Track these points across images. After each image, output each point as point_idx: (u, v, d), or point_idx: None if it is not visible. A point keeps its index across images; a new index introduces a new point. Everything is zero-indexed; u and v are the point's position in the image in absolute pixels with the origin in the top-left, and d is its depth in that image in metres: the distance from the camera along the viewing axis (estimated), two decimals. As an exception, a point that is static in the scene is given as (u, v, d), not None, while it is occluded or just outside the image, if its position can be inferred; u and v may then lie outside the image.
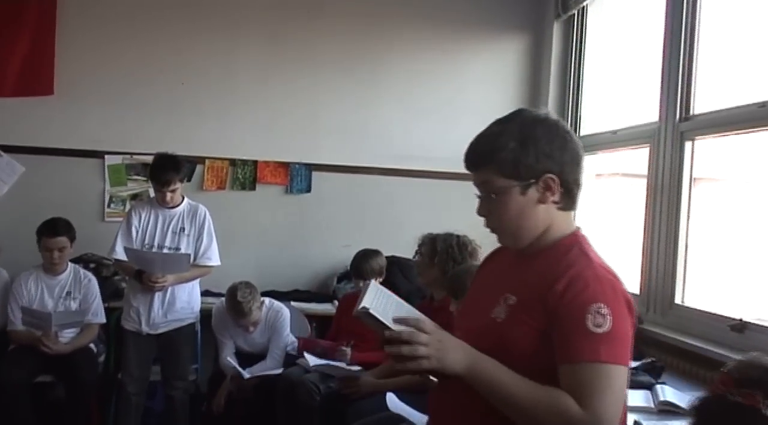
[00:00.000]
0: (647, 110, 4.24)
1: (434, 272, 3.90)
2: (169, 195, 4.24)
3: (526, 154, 1.78)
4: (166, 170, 4.21)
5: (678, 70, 3.96)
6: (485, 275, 2.05)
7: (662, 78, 4.07)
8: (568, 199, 1.84)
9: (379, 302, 1.87)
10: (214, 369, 4.63)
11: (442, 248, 3.88)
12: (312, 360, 4.04)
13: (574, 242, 1.84)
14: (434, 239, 3.94)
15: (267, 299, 4.52)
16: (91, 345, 4.55)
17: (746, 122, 3.42)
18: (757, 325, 3.30)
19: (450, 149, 5.62)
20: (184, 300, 4.33)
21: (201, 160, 5.45)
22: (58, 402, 4.35)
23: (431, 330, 1.71)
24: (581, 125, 5.31)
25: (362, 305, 1.81)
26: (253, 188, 5.55)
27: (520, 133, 1.80)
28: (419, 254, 3.98)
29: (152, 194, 5.14)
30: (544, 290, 1.72)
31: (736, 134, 3.48)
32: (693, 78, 3.93)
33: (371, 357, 4.22)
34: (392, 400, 3.09)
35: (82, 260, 4.86)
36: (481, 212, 1.88)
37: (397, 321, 1.75)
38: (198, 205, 4.41)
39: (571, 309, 1.68)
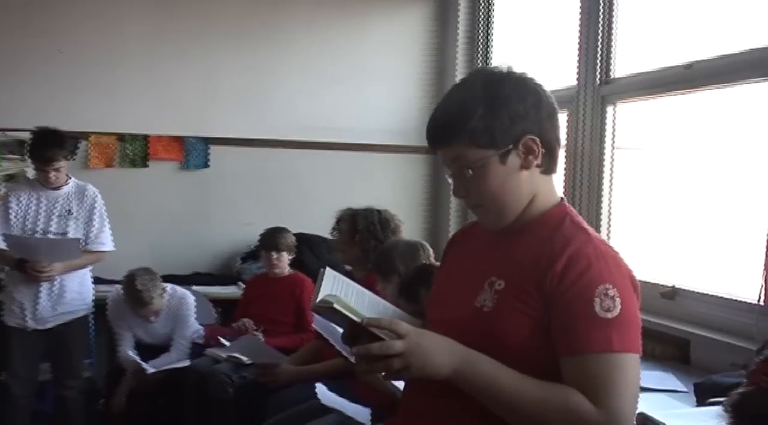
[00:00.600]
0: (564, 75, 4.09)
1: (354, 251, 3.66)
2: (52, 175, 3.80)
3: (498, 117, 1.55)
4: (49, 147, 3.76)
5: (597, 31, 3.82)
6: (458, 257, 1.80)
7: (580, 39, 3.93)
8: (550, 160, 1.62)
9: (340, 292, 1.61)
10: (111, 364, 4.23)
11: (363, 226, 3.64)
12: (223, 350, 3.73)
13: (564, 213, 1.62)
14: (354, 215, 3.69)
15: (169, 286, 4.15)
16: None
17: (672, 83, 3.31)
18: (689, 291, 3.22)
19: (356, 120, 5.46)
20: (75, 290, 3.91)
21: (85, 135, 4.98)
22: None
23: (406, 332, 1.46)
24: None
25: (321, 297, 1.54)
26: (145, 165, 5.13)
27: (486, 95, 1.56)
28: (337, 231, 3.72)
29: (31, 174, 4.71)
30: (538, 273, 1.51)
31: (661, 96, 3.36)
32: (613, 39, 3.80)
33: (285, 342, 3.97)
34: (323, 393, 2.83)
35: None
36: (457, 192, 1.64)
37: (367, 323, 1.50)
38: (86, 185, 3.98)
39: (574, 293, 1.46)
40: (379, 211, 3.72)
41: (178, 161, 5.18)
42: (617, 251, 1.56)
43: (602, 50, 3.82)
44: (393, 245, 3.28)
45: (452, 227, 5.23)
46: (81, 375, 3.96)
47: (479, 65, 5.20)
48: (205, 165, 5.21)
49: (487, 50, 5.18)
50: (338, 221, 3.77)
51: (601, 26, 3.82)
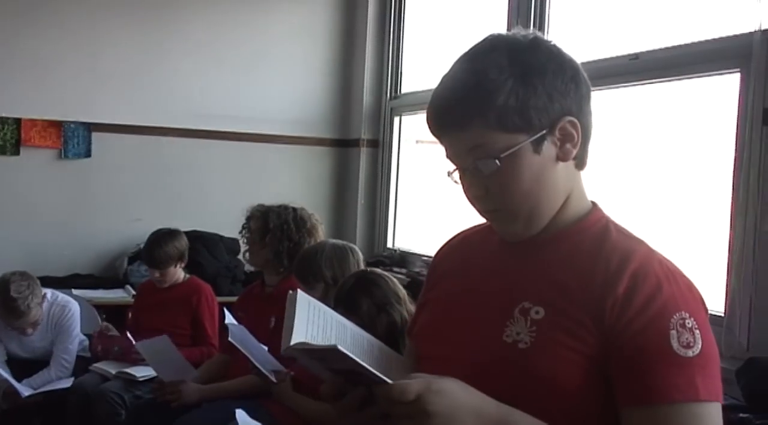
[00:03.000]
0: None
1: (265, 253, 3.27)
2: None
3: (533, 93, 1.20)
4: None
5: (529, 18, 3.61)
6: (459, 275, 1.40)
7: (509, 21, 3.72)
8: (584, 152, 1.29)
9: (317, 328, 1.27)
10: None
11: (275, 225, 3.25)
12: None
13: (604, 219, 1.30)
14: (266, 212, 3.30)
15: (49, 292, 3.61)
16: None
17: (616, 76, 3.12)
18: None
19: (256, 109, 5.03)
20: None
21: (-56, 117, 4.37)
22: None
23: (418, 393, 1.10)
24: (402, 83, 4.87)
25: (295, 339, 1.20)
26: (17, 153, 4.55)
27: (514, 65, 1.20)
28: (247, 230, 3.33)
29: None
30: (592, 296, 1.18)
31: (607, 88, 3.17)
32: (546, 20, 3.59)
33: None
34: (244, 419, 2.46)
35: None
36: (474, 191, 1.27)
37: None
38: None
39: (643, 324, 1.14)
40: (294, 209, 3.35)
41: (55, 148, 4.62)
42: (679, 268, 1.24)
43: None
44: (318, 248, 2.94)
45: (359, 227, 4.94)
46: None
47: (389, 53, 4.91)
48: (87, 154, 4.68)
49: (399, 38, 4.90)
50: (248, 218, 3.37)
51: (533, 15, 3.62)
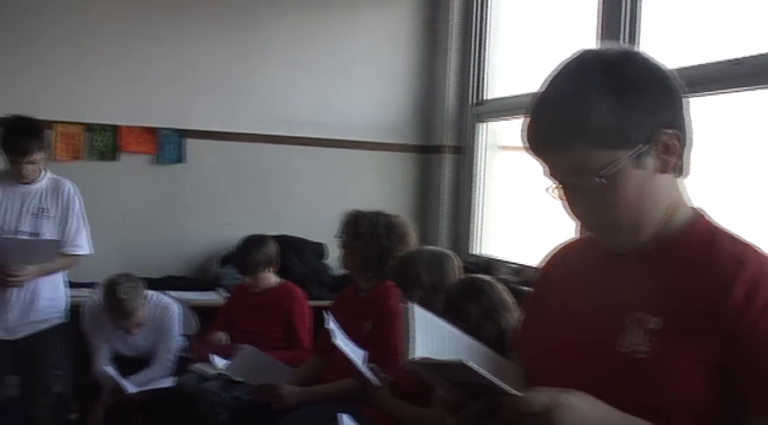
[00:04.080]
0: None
1: (355, 258, 3.35)
2: (27, 168, 3.41)
3: (630, 109, 1.23)
4: (23, 137, 3.37)
5: (619, 27, 3.59)
6: (566, 286, 1.43)
7: (602, 25, 3.67)
8: (685, 160, 1.31)
9: (435, 342, 1.32)
10: (83, 377, 3.80)
11: (365, 230, 3.33)
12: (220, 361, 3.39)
13: (709, 225, 1.32)
14: (358, 218, 3.38)
15: (152, 294, 3.77)
16: None
17: (717, 82, 3.08)
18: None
19: (342, 115, 5.13)
20: (48, 297, 3.51)
21: (50, 125, 4.52)
22: None
23: (546, 406, 1.15)
24: (486, 89, 4.90)
25: (418, 353, 1.25)
26: (115, 158, 4.73)
27: (609, 82, 1.23)
28: (344, 233, 3.41)
29: None
30: (708, 304, 1.19)
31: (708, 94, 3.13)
32: (637, 28, 3.56)
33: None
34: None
35: None
36: (576, 208, 1.31)
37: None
38: (63, 180, 3.59)
39: (766, 328, 1.16)
40: (387, 215, 3.41)
41: (150, 154, 4.79)
42: None
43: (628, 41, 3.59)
44: (415, 254, 3.00)
45: (443, 233, 4.98)
46: (52, 390, 3.57)
47: (473, 59, 4.94)
48: (180, 159, 4.84)
49: (483, 43, 4.92)
50: (342, 223, 3.46)
51: (623, 22, 3.59)
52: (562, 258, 1.52)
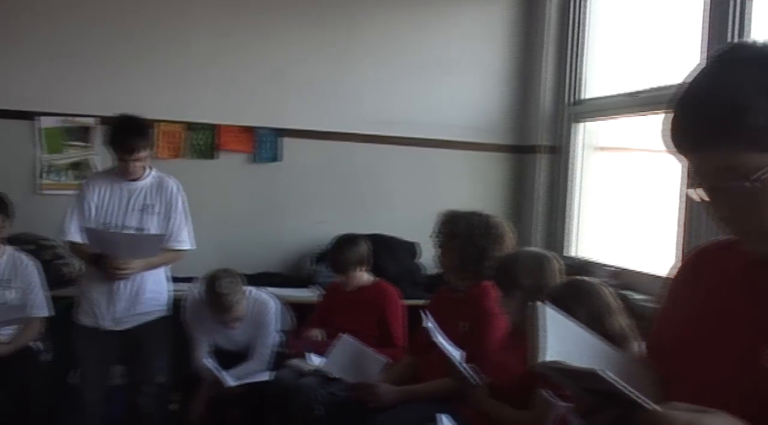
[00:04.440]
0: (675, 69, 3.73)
1: (452, 258, 3.33)
2: (134, 165, 3.53)
3: None
4: (131, 135, 3.49)
5: (728, 16, 3.46)
6: (705, 292, 1.36)
7: (709, 25, 3.56)
8: None
9: (568, 344, 1.28)
10: (183, 369, 3.92)
11: (461, 230, 3.30)
12: (316, 359, 3.43)
13: None
14: (454, 218, 3.36)
15: (251, 289, 3.85)
16: (29, 343, 3.80)
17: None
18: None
19: (435, 115, 5.12)
20: (152, 290, 3.63)
21: (152, 123, 4.65)
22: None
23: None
24: (584, 88, 4.81)
25: (549, 356, 1.21)
26: (213, 156, 4.85)
27: (765, 79, 1.13)
28: (440, 233, 3.40)
29: (99, 163, 4.54)
30: None
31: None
32: (746, 25, 3.43)
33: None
34: (448, 425, 2.53)
35: (17, 242, 4.06)
36: (721, 212, 1.22)
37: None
38: (167, 177, 3.70)
39: None
40: (484, 215, 3.38)
41: (248, 152, 4.90)
42: None
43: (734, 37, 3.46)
44: (515, 256, 2.97)
45: (537, 235, 4.92)
46: (156, 380, 3.68)
47: (570, 58, 4.86)
48: (276, 158, 4.92)
49: (579, 42, 4.83)
50: (439, 223, 3.45)
51: (732, 18, 3.47)
52: (697, 263, 1.43)
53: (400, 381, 3.29)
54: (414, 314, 3.50)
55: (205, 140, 4.82)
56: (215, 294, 3.63)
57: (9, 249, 3.81)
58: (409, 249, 4.82)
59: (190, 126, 4.80)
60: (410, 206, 4.94)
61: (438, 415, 2.61)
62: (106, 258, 3.45)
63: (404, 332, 3.83)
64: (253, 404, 3.65)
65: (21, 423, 3.56)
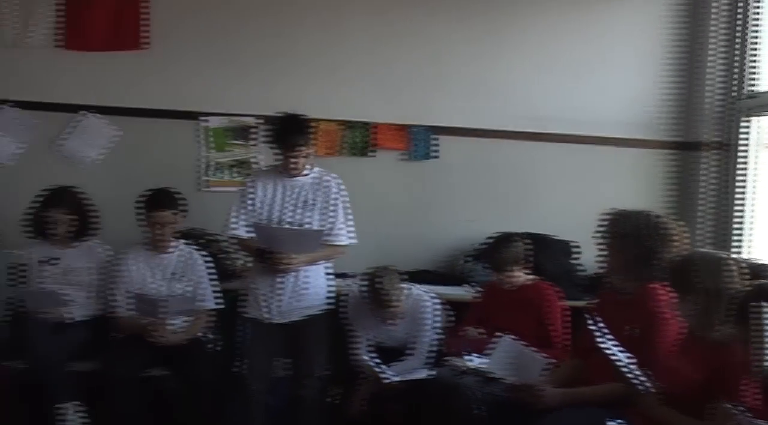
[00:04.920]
0: None
1: (618, 258, 3.21)
2: (297, 162, 3.62)
3: None
4: (293, 132, 3.59)
5: None
6: None
7: None
8: None
9: None
10: (344, 365, 3.99)
11: (629, 230, 3.17)
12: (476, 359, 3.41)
13: None
14: (620, 217, 3.24)
15: (410, 286, 3.88)
16: (199, 334, 3.97)
17: None
18: None
19: (592, 111, 4.96)
20: (315, 285, 3.72)
21: (311, 122, 4.80)
22: (170, 398, 3.79)
23: None
24: (756, 81, 4.53)
25: None
26: (368, 154, 4.91)
27: None
28: (606, 233, 3.28)
29: (262, 160, 4.68)
30: None
31: None
32: None
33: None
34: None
35: (185, 237, 4.25)
36: None
37: None
38: (328, 174, 3.78)
39: None
40: (651, 215, 3.24)
41: (402, 150, 4.93)
42: None
43: None
44: (690, 257, 2.83)
45: (701, 235, 4.68)
46: (318, 373, 3.76)
47: (740, 51, 4.59)
48: (429, 155, 4.93)
49: (750, 33, 4.55)
50: (603, 223, 3.33)
51: None
52: None
53: (564, 384, 3.20)
54: (576, 315, 3.41)
55: (361, 138, 4.90)
56: (376, 291, 3.68)
57: (181, 244, 4.01)
58: (565, 249, 4.71)
59: (347, 124, 4.88)
60: (566, 205, 4.85)
61: (608, 421, 2.52)
62: (271, 253, 3.55)
63: (564, 333, 3.73)
64: (412, 401, 3.66)
65: (191, 407, 3.73)
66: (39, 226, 3.97)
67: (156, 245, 3.93)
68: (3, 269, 3.93)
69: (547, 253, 4.60)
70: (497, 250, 3.87)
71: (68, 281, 3.94)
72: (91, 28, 4.65)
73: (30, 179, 4.33)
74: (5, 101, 4.59)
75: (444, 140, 4.93)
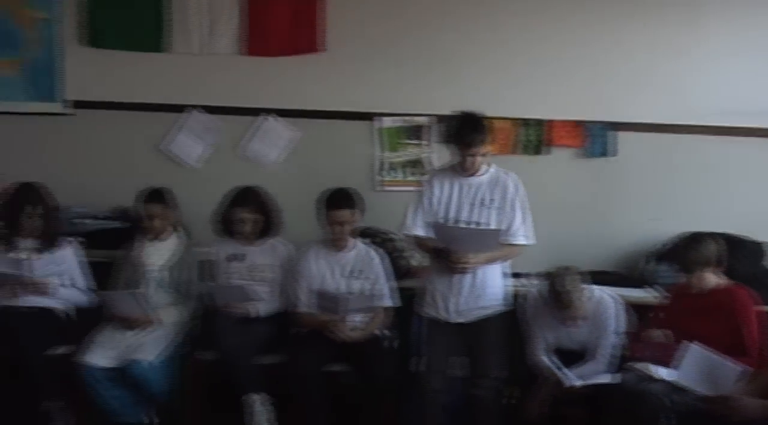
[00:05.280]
0: None
1: None
2: (474, 161, 3.60)
3: None
4: (471, 131, 3.57)
5: None
6: None
7: None
8: None
9: None
10: (521, 366, 3.92)
11: None
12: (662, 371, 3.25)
13: None
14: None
15: (593, 288, 3.76)
16: (377, 331, 4.03)
17: None
18: None
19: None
20: (493, 284, 3.69)
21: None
22: (349, 393, 3.87)
23: None
24: None
25: None
26: (542, 152, 4.81)
27: None
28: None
29: (435, 160, 4.72)
30: None
31: None
32: None
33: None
34: None
35: (362, 235, 4.31)
36: None
37: None
38: (505, 172, 3.74)
39: None
40: None
41: (577, 147, 4.79)
42: None
43: None
44: None
45: None
46: (495, 374, 3.72)
47: None
48: (607, 152, 4.77)
49: None
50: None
51: None
52: None
53: (763, 395, 3.00)
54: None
55: (535, 136, 4.81)
56: (557, 291, 3.60)
57: (358, 242, 4.08)
58: (757, 250, 4.41)
59: (521, 122, 4.80)
60: (757, 203, 4.54)
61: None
62: (449, 252, 3.55)
63: (760, 340, 3.49)
64: (593, 406, 3.54)
65: (370, 403, 3.79)
66: (227, 224, 4.16)
67: (335, 244, 4.02)
68: (194, 265, 4.13)
69: (737, 254, 4.31)
70: (687, 250, 3.66)
71: (253, 277, 4.10)
72: (271, 34, 4.83)
73: (216, 180, 4.55)
74: (193, 106, 4.84)
75: (622, 136, 4.75)
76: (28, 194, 3.99)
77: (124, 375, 3.72)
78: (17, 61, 4.77)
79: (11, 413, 3.73)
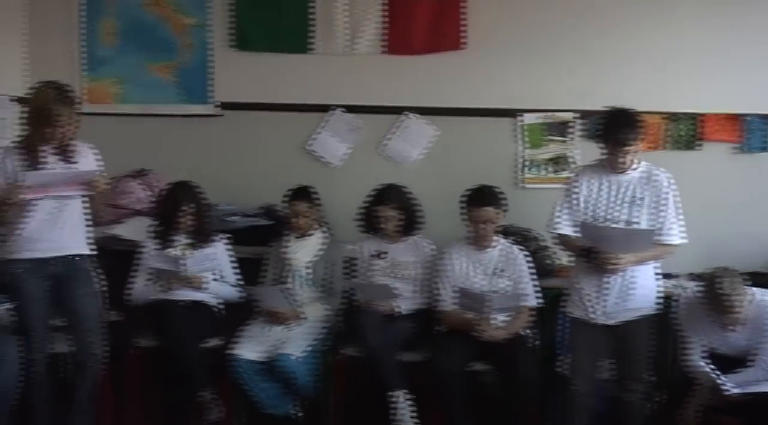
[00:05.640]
0: None
1: None
2: (625, 158, 3.48)
3: None
4: (623, 128, 3.44)
5: None
6: None
7: None
8: None
9: None
10: (673, 371, 3.77)
11: None
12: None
13: None
14: None
15: (755, 291, 3.55)
16: (520, 330, 3.96)
17: None
18: None
19: None
20: (643, 285, 3.54)
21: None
22: (492, 392, 3.83)
23: None
24: None
25: None
26: (695, 147, 4.60)
27: None
28: None
29: (577, 157, 4.64)
30: None
31: None
32: None
33: None
34: None
35: (504, 233, 4.25)
36: None
37: None
38: (658, 170, 3.59)
39: None
40: None
41: (734, 142, 4.55)
42: None
43: None
44: None
45: None
46: (643, 377, 3.58)
47: None
48: (767, 147, 4.50)
49: None
50: None
51: None
52: None
53: None
54: None
55: (686, 131, 4.60)
56: (716, 294, 3.42)
57: (502, 240, 4.03)
58: None
59: (670, 116, 4.60)
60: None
61: None
62: (597, 252, 3.44)
63: None
64: (752, 415, 3.35)
65: (513, 403, 3.74)
66: (370, 222, 4.20)
67: (479, 242, 3.99)
68: (338, 262, 4.20)
69: None
70: None
71: (395, 274, 4.13)
72: (412, 33, 4.82)
73: (357, 179, 4.61)
74: (336, 106, 4.92)
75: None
76: (183, 192, 4.16)
77: (271, 368, 3.83)
78: (173, 65, 4.99)
79: (171, 402, 3.92)
